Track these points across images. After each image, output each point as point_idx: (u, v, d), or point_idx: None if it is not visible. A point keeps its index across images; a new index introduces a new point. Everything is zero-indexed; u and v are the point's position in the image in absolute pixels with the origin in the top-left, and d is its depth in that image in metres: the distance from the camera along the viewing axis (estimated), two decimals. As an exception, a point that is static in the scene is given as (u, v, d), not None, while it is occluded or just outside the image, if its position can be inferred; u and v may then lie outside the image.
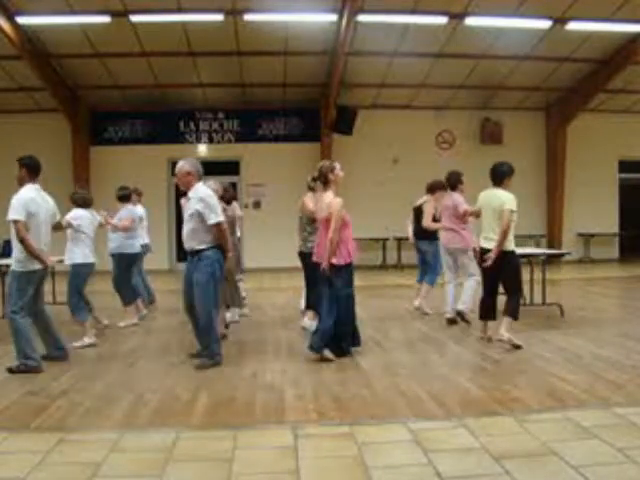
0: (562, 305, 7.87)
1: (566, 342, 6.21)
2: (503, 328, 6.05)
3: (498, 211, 6.03)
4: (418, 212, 8.13)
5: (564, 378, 4.83)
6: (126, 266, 7.60)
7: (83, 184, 12.56)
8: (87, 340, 6.32)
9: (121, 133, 14.79)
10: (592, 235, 15.58)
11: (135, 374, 5.31)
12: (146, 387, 4.81)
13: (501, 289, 6.33)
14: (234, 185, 14.80)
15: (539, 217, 15.56)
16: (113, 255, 7.62)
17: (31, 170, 5.39)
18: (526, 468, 3.15)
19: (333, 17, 11.27)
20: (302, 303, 7.64)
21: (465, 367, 5.43)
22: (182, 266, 5.66)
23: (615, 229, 16.07)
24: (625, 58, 12.72)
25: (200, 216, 5.27)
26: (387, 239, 14.70)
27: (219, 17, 11.05)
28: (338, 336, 5.70)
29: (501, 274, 6.09)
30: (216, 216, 5.30)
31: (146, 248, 8.64)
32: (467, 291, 7.33)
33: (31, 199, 5.26)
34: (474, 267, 7.16)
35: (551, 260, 11.97)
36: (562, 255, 11.73)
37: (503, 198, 6.03)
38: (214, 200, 5.40)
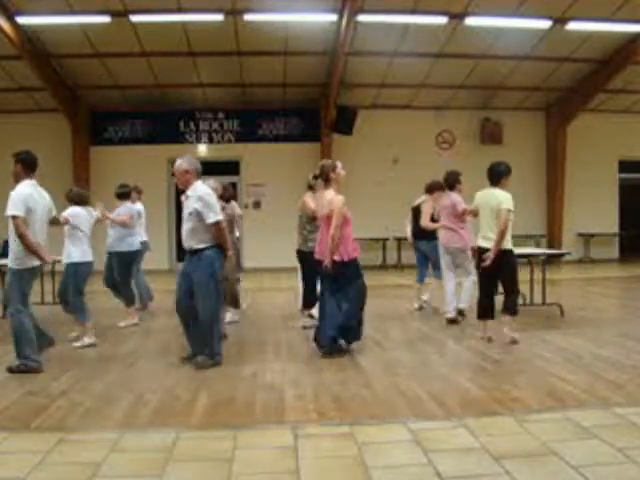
0: (562, 305, 7.87)
1: (566, 342, 6.21)
2: (507, 328, 6.20)
3: (496, 210, 6.06)
4: (416, 212, 8.17)
5: (564, 378, 4.83)
6: (126, 265, 7.56)
7: (83, 184, 12.55)
8: (87, 340, 6.31)
9: (121, 133, 14.80)
10: (592, 235, 15.58)
11: (135, 374, 5.30)
12: (146, 387, 4.81)
13: (500, 289, 6.36)
14: (234, 185, 14.82)
15: (539, 217, 15.56)
16: (111, 253, 7.57)
17: (27, 165, 5.32)
18: (526, 468, 3.15)
19: (333, 17, 11.28)
20: (300, 302, 7.67)
21: (465, 367, 5.43)
22: (182, 266, 5.60)
23: (615, 229, 16.07)
24: (625, 58, 12.72)
25: (199, 215, 5.23)
26: (387, 239, 14.70)
27: (219, 17, 11.05)
28: (346, 329, 5.85)
29: (499, 273, 6.11)
30: (215, 215, 5.25)
31: (145, 246, 8.58)
32: (467, 291, 7.43)
33: (29, 194, 5.20)
34: (472, 267, 7.20)
35: (551, 260, 11.97)
36: (562, 255, 11.74)
37: (500, 198, 6.07)
38: (213, 199, 5.35)
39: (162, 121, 14.72)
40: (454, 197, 7.38)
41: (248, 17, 11.13)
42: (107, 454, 3.42)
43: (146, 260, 9.20)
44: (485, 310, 6.31)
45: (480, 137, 15.24)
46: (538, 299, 7.87)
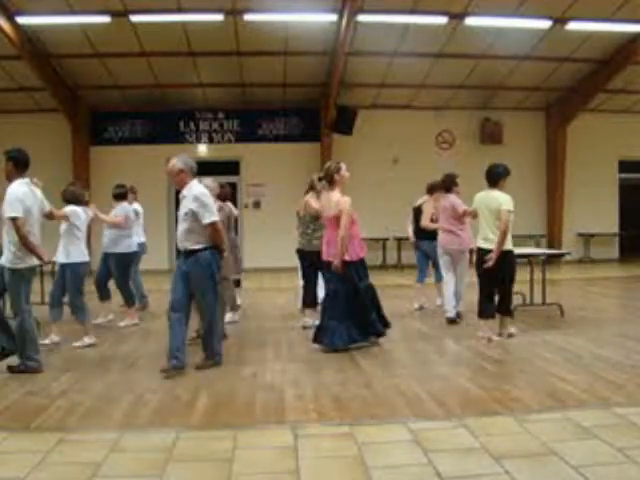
0: (562, 305, 7.87)
1: (566, 342, 6.21)
2: (509, 329, 6.37)
3: (495, 212, 6.10)
4: (417, 212, 8.24)
5: (564, 378, 4.83)
6: (123, 266, 7.48)
7: (83, 184, 12.54)
8: (87, 340, 6.31)
9: (121, 133, 14.78)
10: (592, 235, 15.58)
11: (135, 374, 5.30)
12: (146, 387, 4.81)
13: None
14: (234, 185, 14.82)
15: (539, 217, 15.55)
16: (107, 254, 7.49)
17: (18, 164, 5.19)
18: (526, 468, 3.15)
19: (333, 17, 11.27)
20: (300, 302, 7.69)
21: (465, 367, 5.43)
22: (176, 267, 5.50)
23: (615, 229, 16.06)
24: (625, 58, 12.71)
25: (194, 215, 5.13)
26: (387, 239, 14.70)
27: (219, 17, 11.04)
28: (365, 324, 6.02)
29: (499, 273, 6.12)
30: (211, 215, 5.15)
31: (142, 247, 8.52)
32: (460, 294, 7.51)
33: (25, 193, 5.11)
34: (466, 271, 7.40)
35: (551, 260, 11.96)
36: (562, 255, 11.74)
37: (500, 199, 6.11)
38: (209, 199, 5.26)
39: (162, 121, 14.70)
40: (452, 199, 7.42)
41: (248, 17, 11.11)
42: (107, 454, 3.42)
43: (146, 260, 9.19)
44: (486, 310, 6.31)
45: (480, 137, 15.22)
46: (538, 299, 7.87)
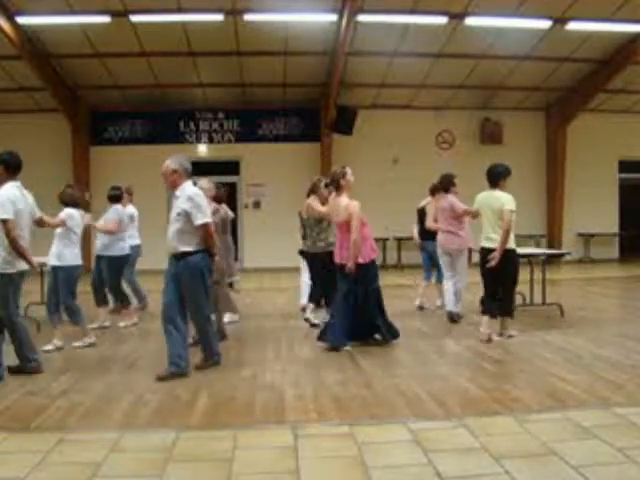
0: (562, 305, 7.87)
1: (566, 342, 6.21)
2: (509, 330, 6.39)
3: (498, 212, 6.12)
4: (422, 214, 8.34)
5: (564, 378, 4.83)
6: (115, 269, 7.38)
7: (82, 185, 12.54)
8: (87, 340, 6.29)
9: (121, 133, 14.78)
10: (592, 235, 15.58)
11: (135, 374, 5.30)
12: (146, 387, 4.80)
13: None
14: (234, 185, 14.83)
15: (539, 217, 15.55)
16: (100, 257, 7.41)
17: (8, 167, 5.07)
18: (526, 468, 3.15)
19: (333, 17, 11.27)
20: (303, 300, 7.85)
21: (465, 367, 5.43)
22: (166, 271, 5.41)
23: (615, 229, 16.06)
24: (625, 58, 12.72)
25: (187, 216, 5.03)
26: (387, 239, 14.70)
27: (219, 17, 11.05)
28: (372, 328, 6.16)
29: (503, 272, 6.14)
30: (203, 216, 5.04)
31: (137, 249, 8.39)
32: (459, 294, 7.54)
33: (16, 195, 5.00)
34: (463, 272, 7.46)
35: (551, 260, 11.96)
36: (562, 255, 11.74)
37: (502, 199, 6.14)
38: (203, 200, 5.18)
39: (162, 121, 14.70)
40: (451, 199, 7.50)
41: (248, 17, 11.12)
42: (107, 454, 3.42)
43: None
44: (489, 308, 6.34)
45: (480, 137, 15.23)
46: (538, 299, 7.87)
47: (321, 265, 7.16)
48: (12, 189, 5.03)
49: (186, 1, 10.67)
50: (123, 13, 10.80)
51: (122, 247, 7.48)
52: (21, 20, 10.86)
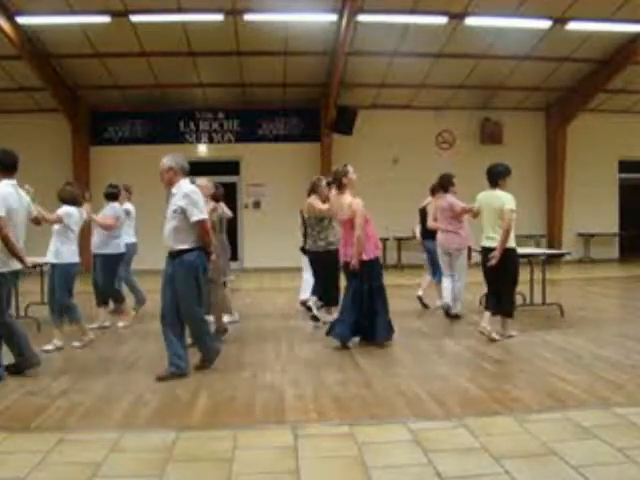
0: (562, 305, 7.87)
1: (566, 342, 6.21)
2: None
3: (498, 211, 6.14)
4: (423, 213, 8.39)
5: (564, 378, 4.83)
6: (110, 267, 7.33)
7: (82, 185, 12.53)
8: (86, 338, 6.27)
9: (121, 133, 14.78)
10: (592, 235, 15.58)
11: (135, 374, 5.29)
12: (146, 387, 4.80)
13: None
14: (234, 185, 14.84)
15: (539, 217, 15.55)
16: (96, 255, 7.38)
17: (2, 165, 5.02)
18: (526, 468, 3.15)
19: (333, 17, 11.27)
20: (304, 295, 8.03)
21: (465, 367, 5.43)
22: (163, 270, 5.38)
23: (615, 229, 16.06)
24: (625, 58, 12.71)
25: (183, 213, 4.96)
26: (387, 239, 14.69)
27: (219, 17, 11.05)
28: (374, 326, 6.13)
29: (503, 271, 6.16)
30: (200, 213, 4.98)
31: (133, 247, 8.31)
32: (459, 294, 7.57)
33: (9, 193, 4.94)
34: (462, 272, 7.48)
35: (551, 260, 11.95)
36: (562, 255, 11.73)
37: (503, 199, 6.15)
38: (199, 197, 5.12)
39: (162, 121, 14.70)
40: (449, 199, 7.55)
41: (248, 17, 11.12)
42: (107, 454, 3.42)
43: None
44: (492, 306, 6.34)
45: (480, 137, 15.22)
46: (538, 299, 7.87)
47: (322, 264, 7.32)
48: (6, 187, 4.98)
49: (186, 1, 10.66)
50: (123, 13, 10.80)
51: (117, 245, 7.42)
52: (21, 20, 10.86)
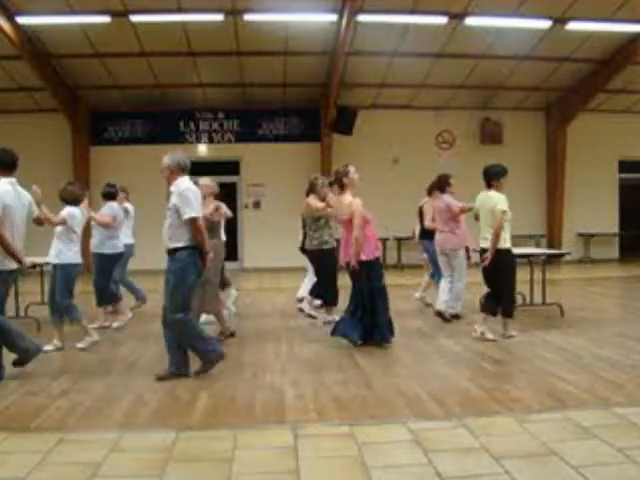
0: (562, 305, 7.87)
1: (566, 342, 6.21)
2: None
3: (492, 212, 6.19)
4: (421, 213, 8.40)
5: (564, 378, 4.83)
6: (105, 267, 7.28)
7: (82, 184, 12.51)
8: (89, 339, 6.22)
9: (121, 133, 14.78)
10: (592, 235, 15.57)
11: (135, 374, 5.29)
12: (146, 387, 4.80)
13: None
14: (234, 185, 14.85)
15: (539, 217, 15.56)
16: (94, 254, 7.35)
17: (0, 164, 4.99)
18: (526, 468, 3.15)
19: (333, 17, 11.27)
20: (300, 292, 8.17)
21: (465, 367, 5.43)
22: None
23: (615, 229, 16.06)
24: (625, 58, 12.71)
25: (177, 211, 4.96)
26: (387, 239, 14.70)
27: (219, 17, 11.05)
28: (374, 326, 6.12)
29: (496, 272, 6.18)
30: (191, 211, 4.89)
31: (130, 248, 8.25)
32: (458, 294, 7.56)
33: (6, 191, 4.88)
34: (461, 272, 7.47)
35: (551, 260, 11.96)
36: (562, 255, 11.73)
37: (495, 199, 6.22)
38: (193, 194, 4.99)
39: (162, 121, 14.70)
40: (446, 199, 7.57)
41: (248, 17, 11.12)
42: (107, 454, 3.42)
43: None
44: (490, 306, 6.36)
45: (480, 137, 15.22)
46: (538, 299, 7.87)
47: (317, 263, 7.43)
48: (3, 185, 4.93)
49: (186, 1, 10.66)
50: (123, 13, 10.80)
51: (115, 245, 7.38)
52: (21, 20, 10.85)
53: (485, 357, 5.68)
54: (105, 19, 10.91)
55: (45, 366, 5.33)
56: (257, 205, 15.12)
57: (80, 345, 6.17)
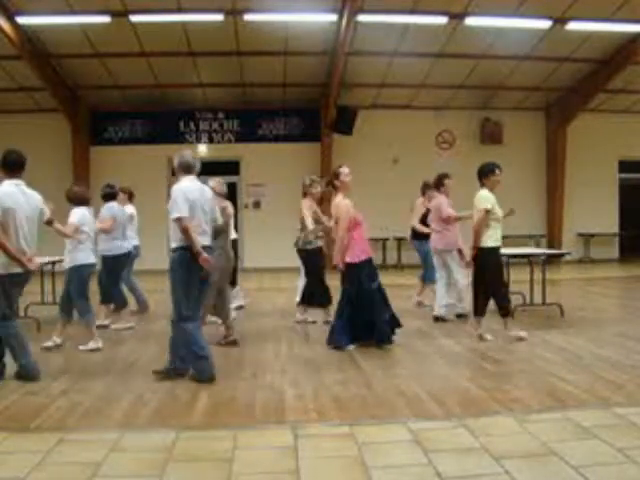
0: (562, 305, 7.87)
1: (566, 342, 6.21)
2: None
3: (478, 210, 6.23)
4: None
5: (564, 378, 4.84)
6: (111, 268, 7.26)
7: (83, 185, 12.50)
8: (93, 345, 6.15)
9: (121, 133, 14.78)
10: (592, 235, 15.58)
11: (135, 375, 5.28)
12: (146, 387, 4.80)
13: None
14: (234, 185, 14.83)
15: (539, 217, 15.55)
16: (100, 257, 7.27)
17: (4, 166, 4.96)
18: (526, 468, 3.15)
19: (333, 17, 11.27)
20: (298, 296, 7.95)
21: (465, 367, 5.43)
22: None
23: (615, 229, 16.06)
24: (625, 58, 12.71)
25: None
26: (387, 239, 14.71)
27: (219, 17, 11.05)
28: (372, 326, 6.07)
29: (480, 270, 6.23)
30: (176, 211, 4.85)
31: (136, 249, 8.21)
32: (460, 293, 7.56)
33: (6, 193, 4.80)
34: (459, 271, 7.46)
35: (551, 260, 11.95)
36: (562, 255, 11.73)
37: (481, 198, 6.26)
38: (181, 194, 4.92)
39: (162, 121, 14.70)
40: (440, 200, 7.60)
41: (248, 17, 11.12)
42: (107, 454, 3.42)
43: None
44: (479, 307, 6.35)
45: (480, 137, 15.22)
46: (538, 299, 7.87)
47: (302, 262, 7.47)
48: (6, 186, 4.88)
49: (186, 1, 10.66)
50: (123, 13, 10.80)
51: (119, 246, 7.31)
52: (21, 20, 10.86)
53: (485, 357, 5.68)
54: (105, 19, 10.92)
55: (45, 366, 5.32)
56: (257, 205, 15.12)
57: (82, 347, 6.16)
